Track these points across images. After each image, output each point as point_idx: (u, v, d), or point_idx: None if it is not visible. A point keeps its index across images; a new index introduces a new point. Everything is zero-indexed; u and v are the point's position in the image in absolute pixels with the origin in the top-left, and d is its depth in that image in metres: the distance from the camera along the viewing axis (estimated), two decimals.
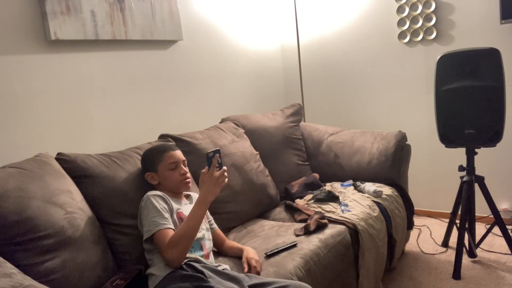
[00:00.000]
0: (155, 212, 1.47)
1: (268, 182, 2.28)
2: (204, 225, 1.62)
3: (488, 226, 2.49)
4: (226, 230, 1.99)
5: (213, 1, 2.79)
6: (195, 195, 1.76)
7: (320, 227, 1.87)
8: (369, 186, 2.23)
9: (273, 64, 3.39)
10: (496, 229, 2.60)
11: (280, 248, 1.69)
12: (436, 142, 2.32)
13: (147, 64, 2.35)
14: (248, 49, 3.11)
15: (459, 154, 2.83)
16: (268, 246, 1.75)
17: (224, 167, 1.50)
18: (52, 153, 1.66)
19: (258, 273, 1.53)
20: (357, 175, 2.44)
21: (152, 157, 1.66)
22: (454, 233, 2.54)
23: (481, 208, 2.70)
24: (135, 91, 2.28)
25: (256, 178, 2.20)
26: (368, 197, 2.17)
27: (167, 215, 1.49)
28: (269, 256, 1.66)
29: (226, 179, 1.51)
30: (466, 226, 2.28)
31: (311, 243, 1.74)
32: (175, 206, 1.57)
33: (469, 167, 2.29)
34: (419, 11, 2.81)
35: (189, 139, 2.08)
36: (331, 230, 1.86)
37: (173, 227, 1.47)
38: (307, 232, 1.85)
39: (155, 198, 1.52)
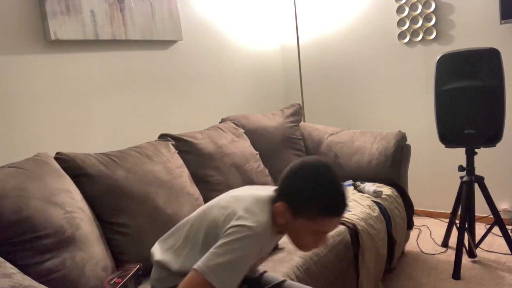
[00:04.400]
0: (233, 270, 0.99)
1: (268, 182, 2.28)
2: None
3: (488, 226, 2.49)
4: None
5: (213, 1, 2.79)
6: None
7: None
8: (369, 186, 2.23)
9: (273, 64, 3.39)
10: (496, 229, 2.60)
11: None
12: (436, 142, 2.32)
13: (147, 64, 2.35)
14: (248, 49, 3.10)
15: (459, 154, 2.82)
16: None
17: None
18: (51, 153, 1.66)
19: None
20: (357, 175, 2.44)
21: (313, 204, 1.04)
22: (454, 233, 2.53)
23: (481, 208, 2.70)
24: (135, 91, 2.28)
25: (256, 178, 2.20)
26: (368, 197, 2.17)
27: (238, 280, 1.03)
28: None
29: None
30: (466, 226, 2.28)
31: None
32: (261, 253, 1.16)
33: (469, 167, 2.29)
34: (419, 11, 2.80)
35: (189, 139, 2.08)
36: None
37: None
38: None
39: (254, 251, 1.02)
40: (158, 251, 1.24)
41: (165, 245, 1.24)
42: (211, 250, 1.00)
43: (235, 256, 0.98)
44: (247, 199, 1.12)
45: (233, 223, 1.04)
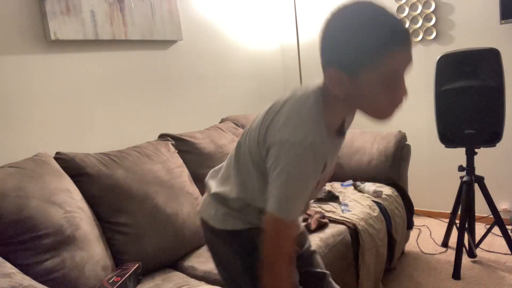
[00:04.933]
0: (301, 196, 0.91)
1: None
2: None
3: (488, 226, 2.49)
4: None
5: (213, 1, 2.79)
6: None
7: (321, 226, 1.87)
8: (369, 186, 2.23)
9: (273, 64, 3.39)
10: (496, 229, 2.59)
11: None
12: (436, 142, 2.32)
13: (147, 64, 2.35)
14: (248, 49, 3.10)
15: (459, 154, 2.81)
16: None
17: None
18: (51, 153, 1.66)
19: None
20: (357, 175, 2.44)
21: (370, 44, 0.83)
22: (454, 233, 2.53)
23: (481, 208, 2.69)
24: (135, 91, 2.28)
25: None
26: (368, 197, 2.17)
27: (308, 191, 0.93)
28: None
29: None
30: (466, 226, 2.28)
31: (312, 242, 1.73)
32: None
33: (469, 167, 2.29)
34: (418, 11, 2.80)
35: (189, 139, 2.08)
36: (332, 229, 1.86)
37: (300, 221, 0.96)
38: (308, 231, 1.85)
39: (313, 167, 0.90)
40: (214, 184, 1.13)
41: (219, 180, 1.13)
42: (274, 188, 0.89)
43: (299, 186, 0.89)
44: (290, 102, 0.95)
45: (275, 136, 0.91)
